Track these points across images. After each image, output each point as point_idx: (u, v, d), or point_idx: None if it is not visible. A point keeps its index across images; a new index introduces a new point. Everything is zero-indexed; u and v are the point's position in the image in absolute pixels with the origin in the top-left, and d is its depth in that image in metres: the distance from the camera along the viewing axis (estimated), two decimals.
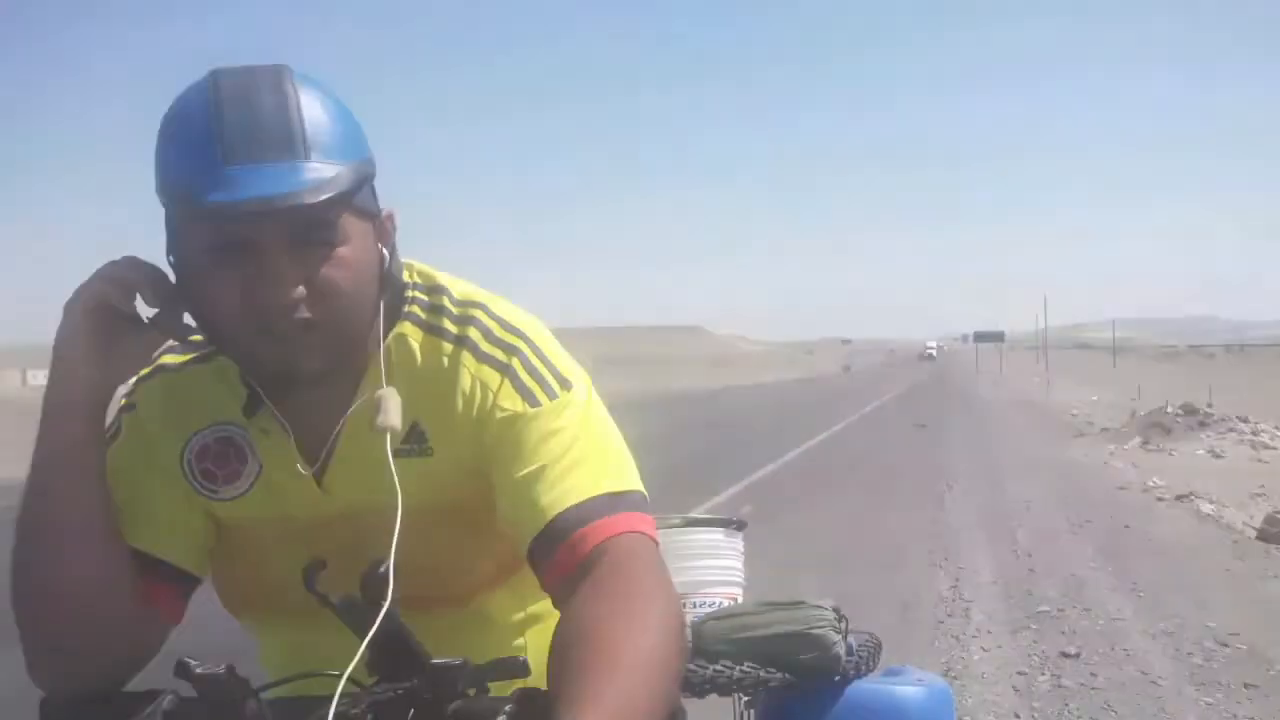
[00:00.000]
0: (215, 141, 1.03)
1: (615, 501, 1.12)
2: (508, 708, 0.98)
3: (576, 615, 1.01)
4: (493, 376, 1.18)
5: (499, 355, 1.19)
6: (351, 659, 1.06)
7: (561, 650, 0.97)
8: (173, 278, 1.14)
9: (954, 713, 1.90)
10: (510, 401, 1.17)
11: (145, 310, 1.15)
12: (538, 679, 1.02)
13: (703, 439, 19.86)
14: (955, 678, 4.95)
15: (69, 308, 1.12)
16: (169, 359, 1.28)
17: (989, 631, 5.81)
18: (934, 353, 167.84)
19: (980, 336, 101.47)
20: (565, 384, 1.20)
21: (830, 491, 12.04)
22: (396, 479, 1.11)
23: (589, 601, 1.02)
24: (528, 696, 0.99)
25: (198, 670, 1.07)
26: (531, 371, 1.19)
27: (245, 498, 1.24)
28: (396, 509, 1.09)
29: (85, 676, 1.14)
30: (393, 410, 1.14)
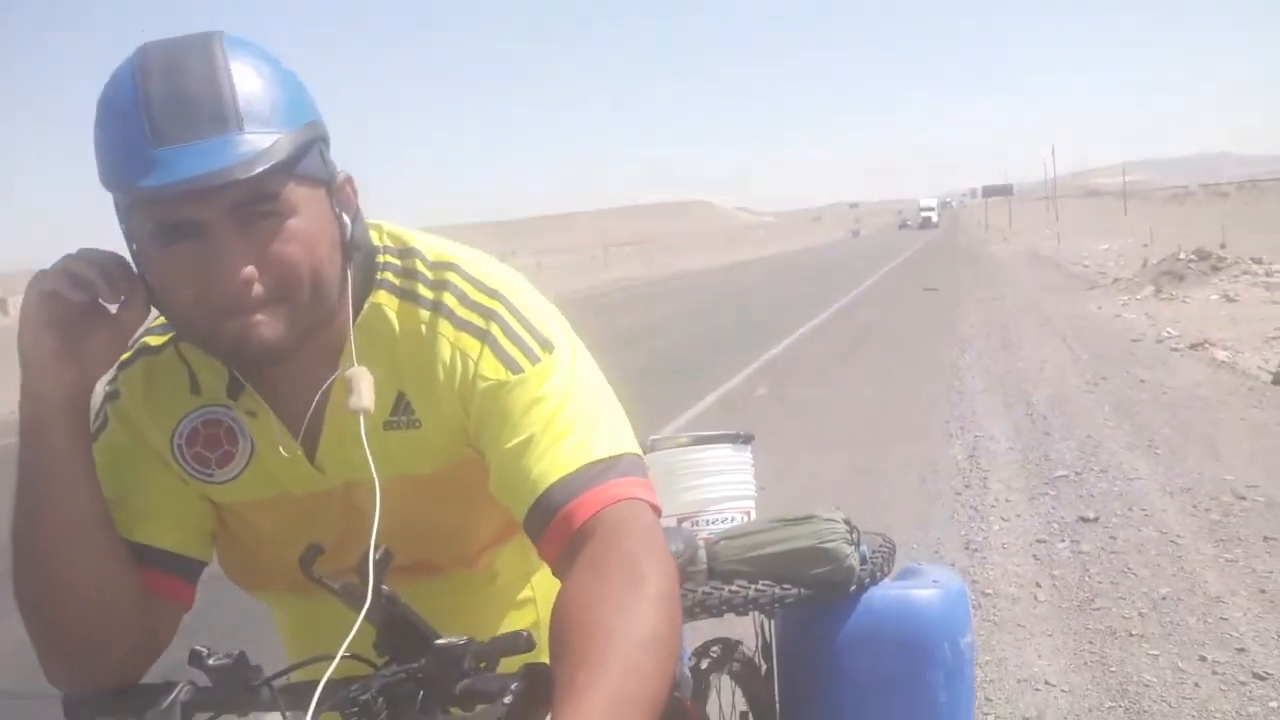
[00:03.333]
0: (143, 122, 0.99)
1: (606, 468, 1.09)
2: (514, 686, 0.99)
3: (573, 595, 1.00)
4: (472, 345, 1.15)
5: (477, 320, 1.16)
6: (361, 633, 1.05)
7: (560, 632, 0.96)
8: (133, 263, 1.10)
9: (969, 610, 1.91)
10: (492, 370, 1.14)
11: (110, 302, 1.11)
12: (543, 650, 1.01)
13: (711, 321, 19.91)
14: (975, 550, 5.00)
15: (25, 303, 1.08)
16: (150, 339, 1.25)
17: (1007, 500, 5.84)
18: (933, 215, 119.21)
19: (989, 191, 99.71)
20: (547, 345, 1.16)
21: (841, 365, 12.06)
22: (371, 458, 1.09)
23: (585, 580, 1.00)
24: (535, 674, 1.00)
25: (210, 661, 1.08)
26: (511, 336, 1.15)
27: (241, 479, 1.22)
28: (375, 492, 1.08)
29: (99, 674, 1.14)
30: (365, 391, 1.11)
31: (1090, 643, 3.89)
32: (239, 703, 1.09)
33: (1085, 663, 3.73)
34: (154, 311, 1.15)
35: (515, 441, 1.11)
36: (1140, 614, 4.11)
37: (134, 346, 1.23)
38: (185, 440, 1.21)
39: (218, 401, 1.20)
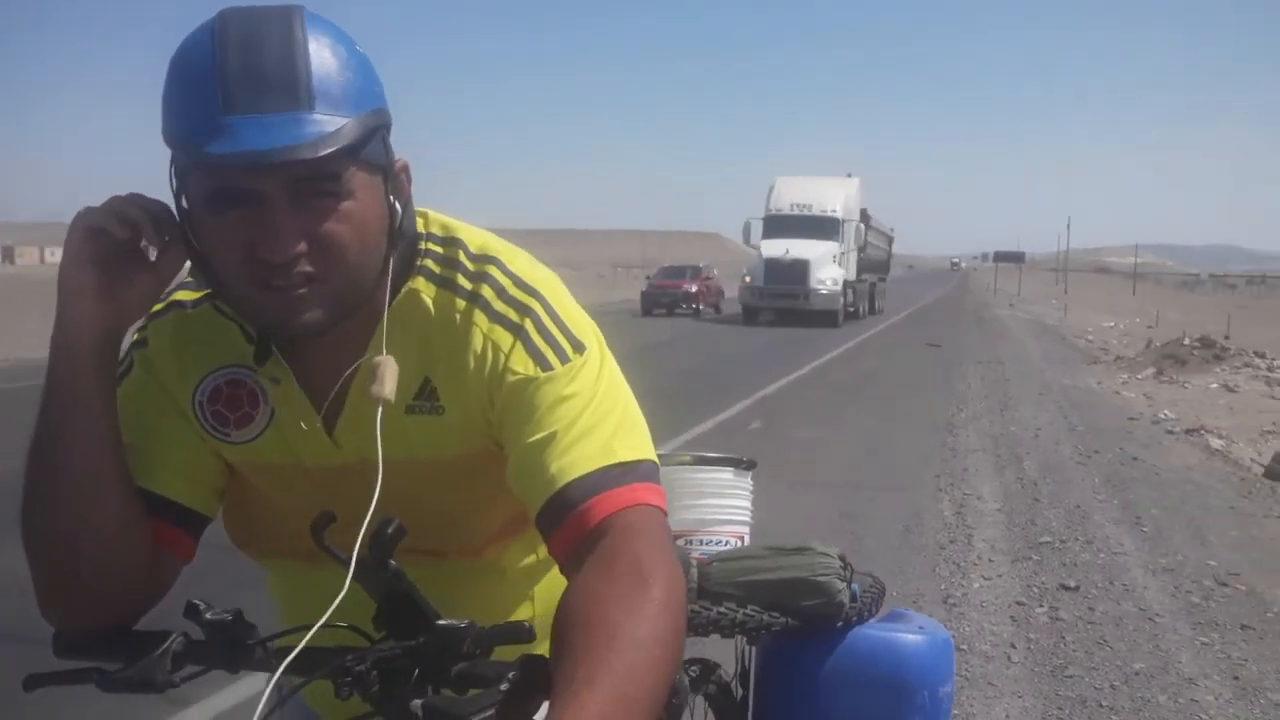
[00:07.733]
0: (216, 88, 1.00)
1: (625, 472, 1.10)
2: (511, 675, 0.98)
3: (579, 593, 1.00)
4: (505, 337, 1.16)
5: (511, 315, 1.16)
6: (359, 606, 1.06)
7: (563, 628, 0.96)
8: (178, 218, 1.11)
9: (954, 662, 1.91)
10: (522, 364, 1.15)
11: (151, 249, 1.12)
12: (543, 641, 1.02)
13: (717, 353, 19.92)
14: (954, 605, 5.01)
15: (69, 237, 1.09)
16: (183, 295, 1.26)
17: (990, 560, 5.84)
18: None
19: (1000, 256, 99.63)
20: (579, 347, 1.17)
21: (838, 410, 12.07)
22: (381, 444, 1.10)
23: (592, 579, 1.00)
24: (532, 664, 0.99)
25: (206, 616, 1.08)
26: (544, 333, 1.16)
27: (257, 442, 1.22)
28: (379, 476, 1.08)
29: (96, 615, 1.15)
30: (388, 380, 1.12)
31: (1059, 708, 3.89)
32: (230, 659, 1.09)
33: None
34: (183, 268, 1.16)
35: (537, 437, 1.11)
36: (1112, 686, 4.11)
37: (166, 299, 1.24)
38: (207, 397, 1.22)
39: (244, 363, 1.21)
